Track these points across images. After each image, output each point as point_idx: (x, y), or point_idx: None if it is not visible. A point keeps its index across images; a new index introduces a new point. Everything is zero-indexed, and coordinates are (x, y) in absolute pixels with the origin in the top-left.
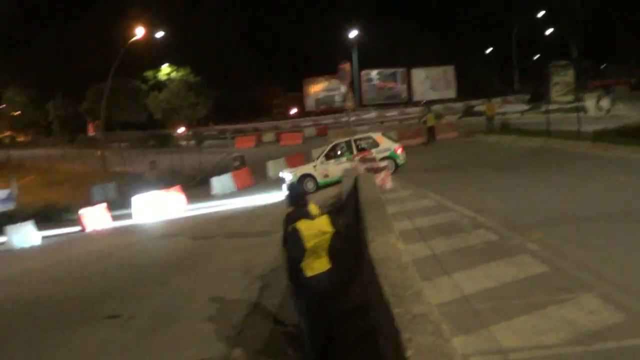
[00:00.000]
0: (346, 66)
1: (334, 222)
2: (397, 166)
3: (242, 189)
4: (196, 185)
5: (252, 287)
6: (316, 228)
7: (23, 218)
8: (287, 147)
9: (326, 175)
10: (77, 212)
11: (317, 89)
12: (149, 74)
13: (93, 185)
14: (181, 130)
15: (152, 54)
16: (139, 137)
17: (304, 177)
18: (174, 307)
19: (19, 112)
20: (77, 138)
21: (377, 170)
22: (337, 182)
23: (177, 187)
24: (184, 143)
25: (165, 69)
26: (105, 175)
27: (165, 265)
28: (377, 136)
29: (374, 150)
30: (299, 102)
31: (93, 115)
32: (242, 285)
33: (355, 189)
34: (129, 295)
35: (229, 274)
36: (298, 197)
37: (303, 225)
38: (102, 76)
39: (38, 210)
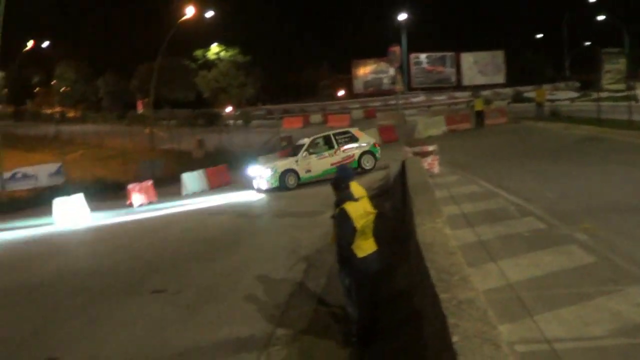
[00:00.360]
0: (396, 49)
1: (380, 205)
2: (375, 160)
3: None
4: (243, 165)
5: (297, 267)
6: (361, 209)
7: (71, 192)
8: (334, 128)
9: (308, 171)
10: (125, 187)
11: (365, 71)
12: (198, 53)
13: (141, 162)
14: (229, 109)
15: (202, 33)
16: (187, 116)
17: (286, 172)
18: (219, 284)
19: (70, 88)
20: (126, 115)
21: (425, 155)
22: (319, 178)
23: (224, 166)
24: (231, 122)
25: (215, 48)
26: (153, 153)
27: (212, 242)
28: (355, 131)
29: (354, 144)
30: (347, 84)
31: (142, 92)
32: (287, 264)
33: (402, 172)
34: (175, 271)
35: (275, 253)
36: (339, 181)
37: (350, 207)
38: (152, 54)
39: (87, 184)
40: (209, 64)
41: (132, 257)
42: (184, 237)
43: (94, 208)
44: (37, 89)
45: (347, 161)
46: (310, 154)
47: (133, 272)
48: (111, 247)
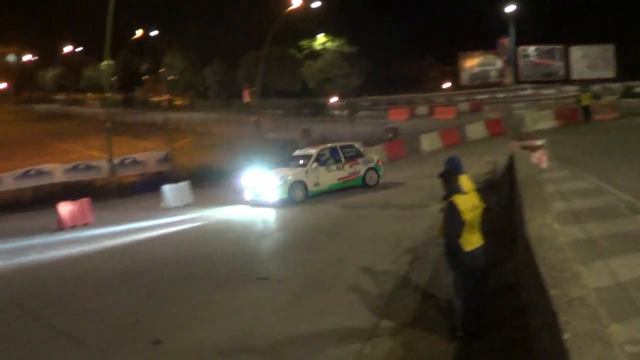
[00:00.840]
0: (505, 41)
1: (486, 199)
2: (378, 177)
3: (394, 161)
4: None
5: (402, 259)
6: (470, 202)
7: (178, 179)
8: (440, 121)
9: (317, 184)
10: (230, 175)
11: (472, 63)
12: (304, 43)
13: (246, 150)
14: (334, 99)
15: (308, 23)
16: (292, 105)
17: (295, 183)
18: (323, 273)
19: (177, 76)
20: (232, 103)
21: (533, 149)
22: (328, 192)
23: None
24: (337, 113)
25: (321, 38)
26: (259, 141)
27: (317, 231)
28: (359, 145)
29: (360, 160)
30: (453, 76)
31: (249, 81)
32: (391, 256)
33: (510, 166)
34: (279, 259)
35: (379, 244)
36: (450, 173)
37: (459, 200)
38: (259, 44)
39: (193, 171)
40: (315, 54)
41: (236, 244)
42: (287, 225)
43: (199, 194)
44: (146, 76)
45: (353, 177)
46: (320, 165)
47: (237, 259)
48: (215, 234)
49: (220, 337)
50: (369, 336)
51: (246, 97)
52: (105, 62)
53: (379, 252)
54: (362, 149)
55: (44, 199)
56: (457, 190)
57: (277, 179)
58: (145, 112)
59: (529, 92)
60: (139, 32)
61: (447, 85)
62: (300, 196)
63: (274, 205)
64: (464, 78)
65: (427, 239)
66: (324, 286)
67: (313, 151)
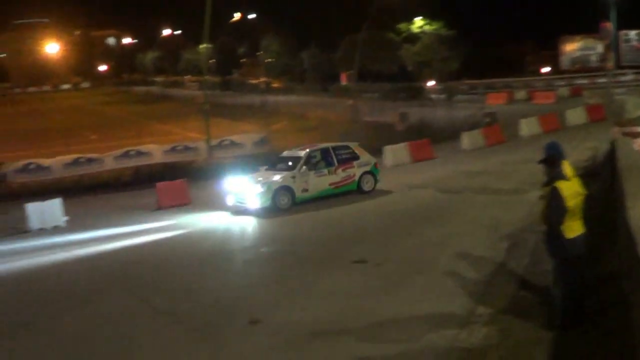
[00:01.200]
0: (608, 25)
1: (587, 185)
2: (375, 182)
3: (492, 146)
4: (445, 140)
5: (499, 245)
6: (573, 188)
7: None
8: (539, 106)
9: (305, 190)
10: None
11: (572, 47)
12: (402, 26)
13: (341, 134)
14: (431, 83)
15: (406, 6)
16: (390, 89)
17: (280, 189)
18: (419, 258)
19: (274, 59)
20: (329, 87)
21: (635, 136)
22: (317, 198)
23: (427, 140)
24: (434, 96)
25: (419, 21)
26: (355, 125)
27: (414, 216)
28: (355, 147)
29: (355, 163)
30: (552, 60)
31: (346, 65)
32: (488, 242)
33: (611, 153)
34: (377, 243)
35: (476, 230)
36: (554, 157)
37: (562, 186)
38: (356, 27)
39: None
40: (412, 38)
41: (335, 227)
42: (383, 210)
43: None
44: (243, 59)
45: (347, 182)
46: (309, 169)
47: (336, 242)
48: (313, 215)
49: (316, 319)
50: (465, 322)
51: (344, 80)
52: (203, 45)
53: (475, 238)
54: (357, 151)
55: (143, 179)
56: (560, 176)
57: (259, 184)
58: (242, 95)
59: (630, 77)
60: (237, 15)
61: (546, 69)
62: (285, 202)
63: (256, 214)
64: (564, 62)
65: (525, 225)
66: (420, 270)
67: (302, 153)
